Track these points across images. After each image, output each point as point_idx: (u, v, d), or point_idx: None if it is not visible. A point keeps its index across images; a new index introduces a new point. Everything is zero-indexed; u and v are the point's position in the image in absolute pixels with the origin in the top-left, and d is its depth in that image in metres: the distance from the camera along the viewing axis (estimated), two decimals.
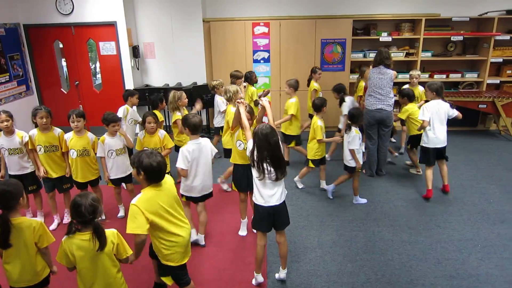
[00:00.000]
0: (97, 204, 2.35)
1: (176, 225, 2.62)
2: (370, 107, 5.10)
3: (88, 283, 2.41)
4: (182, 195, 3.68)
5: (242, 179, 3.85)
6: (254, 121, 3.72)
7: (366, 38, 7.18)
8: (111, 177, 4.30)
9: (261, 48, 7.16)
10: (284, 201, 3.11)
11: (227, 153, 4.57)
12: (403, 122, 5.51)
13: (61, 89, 7.61)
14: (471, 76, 7.16)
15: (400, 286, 3.26)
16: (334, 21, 6.94)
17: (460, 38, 6.92)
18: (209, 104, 7.05)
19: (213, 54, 7.25)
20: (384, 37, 6.99)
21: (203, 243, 3.89)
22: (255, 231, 3.48)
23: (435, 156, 4.67)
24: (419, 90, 5.74)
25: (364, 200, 4.67)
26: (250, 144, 3.04)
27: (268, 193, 3.01)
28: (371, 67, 5.34)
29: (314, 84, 6.07)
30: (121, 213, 4.50)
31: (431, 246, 3.79)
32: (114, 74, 7.30)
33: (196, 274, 3.46)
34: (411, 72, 5.83)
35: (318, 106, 4.64)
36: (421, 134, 5.14)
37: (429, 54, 7.09)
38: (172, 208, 2.60)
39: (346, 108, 5.50)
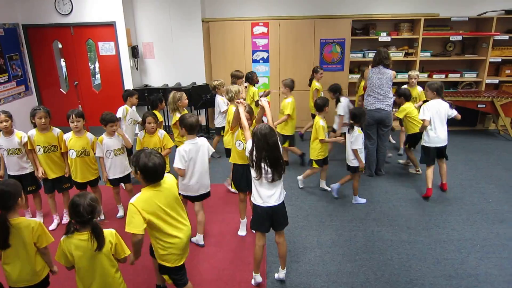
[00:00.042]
0: (96, 204, 2.35)
1: (174, 227, 2.61)
2: (369, 107, 5.10)
3: (86, 283, 2.41)
4: (179, 194, 3.68)
5: (241, 179, 3.85)
6: (254, 121, 3.72)
7: (365, 38, 7.19)
8: (110, 177, 4.30)
9: (260, 48, 7.16)
10: (283, 202, 3.11)
11: (229, 153, 4.57)
12: (402, 122, 5.52)
13: (60, 89, 7.60)
14: (470, 76, 7.16)
15: (399, 286, 3.26)
16: (333, 21, 6.94)
17: (459, 38, 6.93)
18: (208, 104, 7.05)
19: (212, 54, 7.25)
20: (383, 37, 7.00)
21: (202, 243, 3.89)
22: (254, 231, 3.48)
23: (435, 155, 4.69)
24: (418, 90, 5.75)
25: (363, 200, 4.67)
26: (249, 144, 3.05)
27: (266, 193, 3.01)
28: (370, 67, 5.35)
29: (316, 84, 6.08)
30: (120, 213, 4.50)
31: (430, 246, 3.80)
32: (113, 74, 7.30)
33: (195, 274, 3.46)
34: (409, 73, 5.84)
35: (320, 106, 4.63)
36: (419, 133, 5.18)
37: (428, 54, 7.10)
38: (171, 208, 2.59)
39: (341, 108, 5.53)
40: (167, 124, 7.15)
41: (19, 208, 2.50)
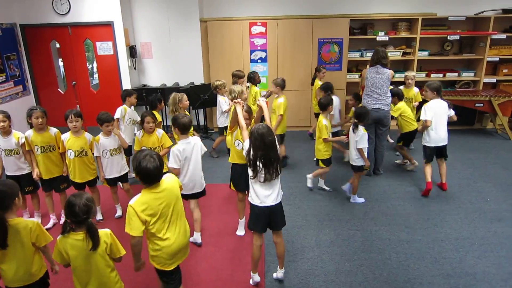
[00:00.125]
0: (91, 204, 2.36)
1: (168, 230, 2.57)
2: (368, 106, 5.10)
3: (83, 282, 2.44)
4: None
5: (240, 179, 3.85)
6: (252, 121, 3.72)
7: (363, 38, 7.20)
8: (106, 177, 4.30)
9: (258, 48, 7.16)
10: (280, 202, 3.11)
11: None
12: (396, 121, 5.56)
13: (58, 89, 7.59)
14: (467, 75, 7.18)
15: (398, 285, 3.27)
16: (331, 21, 6.95)
17: (457, 37, 6.94)
18: (206, 104, 7.05)
19: (211, 54, 7.25)
20: (381, 37, 7.01)
21: (199, 241, 3.89)
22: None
23: (434, 154, 4.74)
24: (414, 91, 5.76)
25: (361, 200, 4.68)
26: (246, 143, 3.05)
27: (264, 193, 3.01)
28: (368, 66, 5.35)
29: (319, 83, 6.08)
30: (119, 213, 4.49)
31: (428, 245, 3.81)
32: (111, 74, 7.29)
33: (193, 274, 3.46)
34: (406, 73, 5.85)
35: (324, 105, 4.62)
36: (412, 132, 5.26)
37: (425, 53, 7.11)
38: (170, 211, 2.57)
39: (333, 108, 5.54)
40: (166, 124, 7.15)
41: (17, 208, 2.50)
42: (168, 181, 2.62)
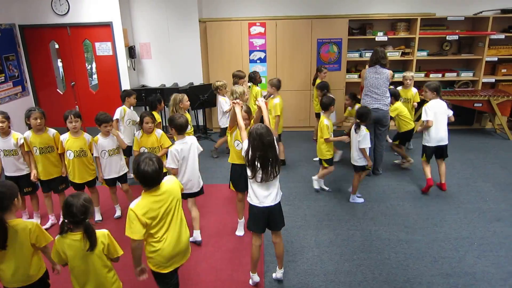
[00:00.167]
0: (89, 205, 2.36)
1: (167, 233, 2.55)
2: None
3: (81, 282, 2.45)
4: None
5: (240, 179, 3.85)
6: (252, 121, 3.72)
7: (362, 38, 7.20)
8: (105, 177, 4.30)
9: (258, 48, 7.16)
10: (279, 202, 3.11)
11: None
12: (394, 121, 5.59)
13: (57, 89, 7.59)
14: (466, 75, 7.19)
15: (397, 285, 3.27)
16: (330, 21, 6.95)
17: (456, 37, 6.95)
18: (206, 105, 7.05)
19: (210, 54, 7.25)
20: (380, 37, 7.01)
21: (199, 239, 3.90)
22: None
23: (433, 153, 4.78)
24: (412, 92, 5.78)
25: (361, 200, 4.68)
26: (245, 144, 3.05)
27: (263, 193, 3.01)
28: (367, 66, 5.36)
29: None
30: (118, 213, 4.49)
31: (427, 244, 3.81)
32: (110, 75, 7.28)
33: (193, 274, 3.46)
34: (404, 74, 5.86)
35: (326, 105, 4.63)
36: (409, 131, 5.34)
37: (424, 53, 7.12)
38: (169, 213, 2.55)
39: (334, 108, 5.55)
40: (165, 124, 7.15)
41: (16, 209, 2.50)
42: (168, 183, 2.60)
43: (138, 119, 5.11)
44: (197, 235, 3.90)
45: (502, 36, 6.81)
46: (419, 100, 5.82)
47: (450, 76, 7.17)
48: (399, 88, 5.86)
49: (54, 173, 4.17)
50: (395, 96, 5.36)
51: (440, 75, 7.12)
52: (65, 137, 4.07)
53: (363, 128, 4.43)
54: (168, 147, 4.41)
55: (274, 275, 3.37)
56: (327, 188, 4.97)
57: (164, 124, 6.93)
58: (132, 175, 4.83)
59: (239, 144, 3.76)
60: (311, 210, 4.53)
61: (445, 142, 4.71)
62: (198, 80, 7.43)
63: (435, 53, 7.25)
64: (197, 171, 3.84)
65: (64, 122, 4.03)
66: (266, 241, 3.67)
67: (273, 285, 3.32)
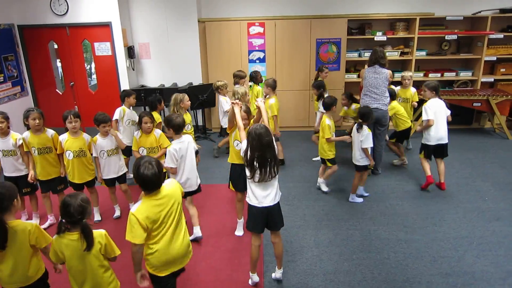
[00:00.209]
0: (86, 205, 2.37)
1: (166, 236, 2.53)
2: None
3: (79, 281, 2.46)
4: None
5: (239, 179, 3.85)
6: (251, 121, 3.73)
7: (361, 38, 7.21)
8: (103, 177, 4.31)
9: (257, 48, 7.16)
10: (278, 202, 3.11)
11: None
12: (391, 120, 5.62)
13: (56, 90, 7.58)
14: (465, 75, 7.20)
15: (396, 285, 3.28)
16: (329, 21, 6.96)
17: (454, 37, 6.96)
18: (205, 105, 7.05)
19: (209, 54, 7.25)
20: (379, 37, 7.02)
21: (200, 234, 3.93)
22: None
23: (433, 152, 4.81)
24: (411, 91, 5.78)
25: (360, 200, 4.68)
26: (244, 144, 3.05)
27: (262, 193, 3.01)
28: (366, 66, 5.37)
29: None
30: (117, 213, 4.49)
31: (426, 244, 3.81)
32: (110, 75, 7.28)
33: (192, 274, 3.46)
34: (402, 74, 5.86)
35: (328, 105, 4.63)
36: (407, 130, 5.39)
37: (423, 53, 7.12)
38: (170, 217, 2.53)
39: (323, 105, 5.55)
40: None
41: (16, 210, 2.50)
42: (168, 187, 2.59)
43: (137, 119, 5.11)
44: (197, 231, 3.92)
45: (500, 35, 6.82)
46: (417, 100, 5.83)
47: (449, 75, 7.18)
48: (398, 87, 5.87)
49: (52, 174, 4.16)
50: (392, 95, 5.39)
51: (439, 74, 7.13)
52: (64, 137, 4.07)
53: (365, 128, 4.44)
54: (166, 147, 4.42)
55: (273, 275, 3.37)
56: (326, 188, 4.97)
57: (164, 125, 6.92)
58: (131, 176, 4.83)
59: (239, 144, 3.76)
60: (310, 210, 4.54)
61: (445, 140, 4.73)
62: (197, 80, 7.43)
63: (434, 53, 7.26)
64: (195, 169, 3.90)
65: (63, 122, 4.03)
66: (265, 241, 3.68)
67: (273, 285, 3.32)
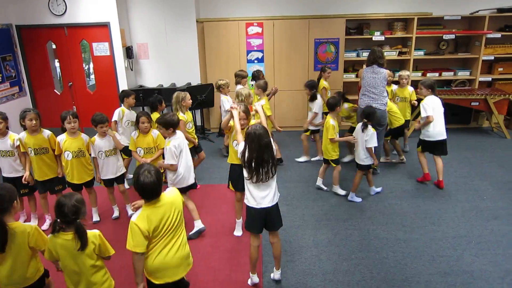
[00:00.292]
0: (80, 205, 2.38)
1: (163, 245, 2.51)
2: (364, 106, 5.12)
3: (73, 281, 2.47)
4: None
5: (239, 179, 3.85)
6: (250, 121, 3.73)
7: (359, 38, 7.21)
8: (102, 178, 4.31)
9: (255, 48, 7.17)
10: (277, 203, 3.11)
11: None
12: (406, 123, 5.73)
13: (55, 90, 7.56)
14: (463, 74, 7.21)
15: (395, 284, 3.28)
16: (327, 21, 6.96)
17: (452, 36, 6.97)
18: (203, 105, 7.05)
19: (207, 55, 7.24)
20: (377, 36, 7.03)
21: (202, 226, 4.03)
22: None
23: (430, 147, 4.88)
24: (409, 90, 5.79)
25: (359, 199, 4.69)
26: (241, 145, 3.06)
27: (260, 194, 3.01)
28: (364, 66, 5.38)
29: (324, 83, 6.08)
30: (116, 214, 4.48)
31: (425, 243, 3.82)
32: (108, 75, 7.27)
33: (191, 274, 3.44)
34: (400, 73, 5.87)
35: (332, 106, 4.64)
36: (400, 127, 5.43)
37: (421, 52, 7.14)
38: (169, 226, 2.50)
39: (316, 106, 5.59)
40: None
41: (15, 212, 2.51)
42: (169, 195, 2.58)
43: None
44: (198, 224, 4.00)
45: (498, 35, 6.84)
46: (416, 98, 5.84)
47: (447, 75, 7.19)
48: (395, 87, 5.88)
49: (50, 174, 4.15)
50: None
51: (437, 74, 7.14)
52: (62, 138, 4.06)
53: (370, 128, 4.47)
54: (163, 148, 4.42)
55: (272, 275, 3.37)
56: (325, 188, 4.98)
57: None
58: (131, 176, 4.83)
59: (238, 145, 3.77)
60: (309, 209, 4.54)
61: (444, 136, 4.77)
62: (195, 80, 7.43)
63: (432, 52, 7.27)
64: (191, 162, 4.02)
65: (61, 122, 4.02)
66: (264, 241, 3.68)
67: (271, 285, 3.32)
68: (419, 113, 5.14)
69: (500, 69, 7.15)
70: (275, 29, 7.03)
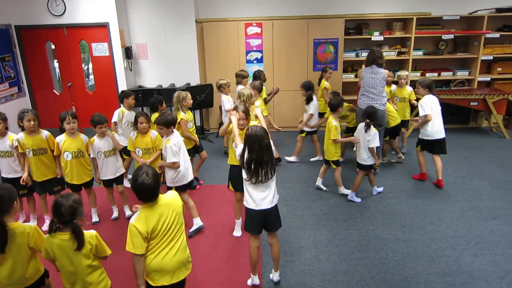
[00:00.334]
0: (77, 206, 2.39)
1: (161, 247, 2.51)
2: (363, 106, 5.12)
3: (70, 280, 2.48)
4: (170, 187, 3.86)
5: (239, 180, 3.84)
6: (249, 122, 3.73)
7: (358, 38, 7.21)
8: (101, 178, 4.31)
9: (254, 49, 7.17)
10: (276, 205, 3.11)
11: None
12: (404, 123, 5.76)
13: (54, 90, 7.56)
14: (462, 74, 7.22)
15: (395, 284, 3.29)
16: (326, 21, 6.97)
17: (451, 36, 6.98)
18: (203, 105, 7.05)
19: (206, 55, 7.24)
20: (376, 36, 7.03)
21: (201, 223, 4.12)
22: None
23: (430, 146, 4.90)
24: (408, 90, 5.80)
25: (358, 199, 4.69)
26: (239, 147, 3.07)
27: (259, 196, 3.01)
28: (363, 66, 5.38)
29: (325, 83, 6.09)
30: (115, 214, 4.47)
31: (424, 243, 3.83)
32: (107, 75, 7.26)
33: (190, 275, 3.43)
34: (398, 73, 5.87)
35: (334, 106, 4.64)
36: (397, 126, 5.47)
37: (420, 52, 7.15)
38: (167, 228, 2.50)
39: (312, 107, 5.58)
40: None
41: (15, 212, 2.52)
42: (167, 197, 2.58)
43: None
44: (197, 222, 4.05)
45: (497, 35, 6.85)
46: (415, 98, 5.85)
47: (446, 75, 7.20)
48: (395, 87, 5.88)
49: (48, 174, 4.15)
50: None
51: (436, 74, 7.15)
52: (61, 138, 4.05)
53: (372, 128, 4.48)
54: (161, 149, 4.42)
55: (270, 275, 3.37)
56: (324, 188, 4.98)
57: None
58: (131, 176, 4.82)
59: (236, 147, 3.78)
60: (308, 210, 4.54)
61: (442, 135, 4.79)
62: (195, 81, 7.42)
63: (431, 52, 7.28)
64: (188, 159, 4.10)
65: (60, 123, 4.01)
66: (263, 242, 3.68)
67: (271, 286, 3.32)
68: (417, 114, 5.14)
69: (499, 69, 7.16)
70: (274, 29, 7.03)
